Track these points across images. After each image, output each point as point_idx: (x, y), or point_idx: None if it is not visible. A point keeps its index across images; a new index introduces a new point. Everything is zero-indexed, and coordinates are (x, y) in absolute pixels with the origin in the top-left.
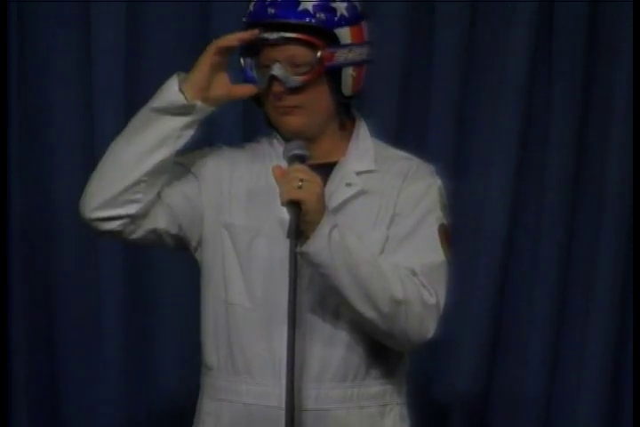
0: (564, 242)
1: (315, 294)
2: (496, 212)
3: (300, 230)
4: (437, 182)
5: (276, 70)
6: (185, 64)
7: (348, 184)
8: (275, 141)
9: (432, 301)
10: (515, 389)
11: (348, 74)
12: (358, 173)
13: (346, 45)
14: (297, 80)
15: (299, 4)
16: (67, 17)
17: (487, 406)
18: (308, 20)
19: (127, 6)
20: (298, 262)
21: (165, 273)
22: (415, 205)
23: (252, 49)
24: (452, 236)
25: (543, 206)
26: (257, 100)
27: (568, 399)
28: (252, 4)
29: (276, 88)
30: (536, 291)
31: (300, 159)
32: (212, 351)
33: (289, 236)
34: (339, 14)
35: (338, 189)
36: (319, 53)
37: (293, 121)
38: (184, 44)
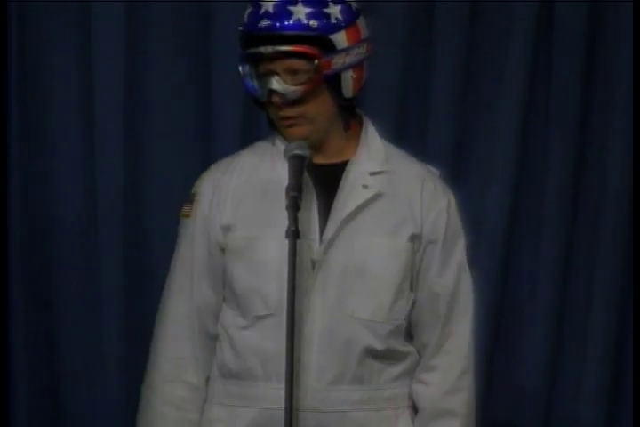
0: (564, 242)
1: (330, 297)
2: (496, 212)
3: (297, 230)
4: (452, 197)
5: (275, 84)
6: (185, 64)
7: (365, 186)
8: (277, 141)
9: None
10: (515, 388)
11: (348, 76)
12: (372, 174)
13: (343, 50)
14: (296, 92)
15: (291, 14)
16: (67, 17)
17: (488, 404)
18: (301, 30)
19: (127, 6)
20: (297, 263)
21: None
22: (444, 236)
23: (250, 59)
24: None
25: (543, 206)
26: (260, 104)
27: (568, 399)
28: (246, 14)
29: (276, 100)
30: (536, 290)
31: (300, 159)
32: (229, 358)
33: (287, 235)
34: (333, 19)
35: (353, 190)
36: (316, 62)
37: (298, 131)
38: (184, 43)
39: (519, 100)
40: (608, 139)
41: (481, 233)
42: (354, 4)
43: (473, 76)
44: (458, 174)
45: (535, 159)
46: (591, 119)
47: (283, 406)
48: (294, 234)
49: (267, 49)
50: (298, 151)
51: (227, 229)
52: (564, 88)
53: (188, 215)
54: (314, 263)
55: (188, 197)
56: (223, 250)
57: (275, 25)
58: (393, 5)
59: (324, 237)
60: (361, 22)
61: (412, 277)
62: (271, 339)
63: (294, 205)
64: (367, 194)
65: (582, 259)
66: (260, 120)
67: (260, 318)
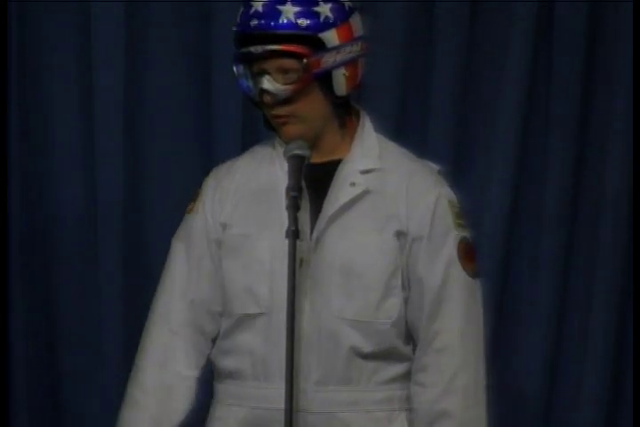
0: (564, 242)
1: (318, 296)
2: (496, 212)
3: (297, 230)
4: (443, 192)
5: (266, 84)
6: (185, 64)
7: (352, 184)
8: (276, 143)
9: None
10: (515, 388)
11: (340, 74)
12: (363, 172)
13: (333, 48)
14: (286, 91)
15: (280, 13)
16: (67, 17)
17: (487, 404)
18: (290, 29)
19: (127, 6)
20: (289, 262)
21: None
22: (429, 233)
23: (243, 59)
24: (473, 247)
25: (543, 206)
26: (256, 103)
27: (568, 399)
28: (239, 14)
29: (267, 100)
30: (536, 290)
31: (300, 159)
32: (222, 357)
33: (287, 235)
34: (322, 18)
35: (342, 188)
36: (304, 61)
37: (291, 130)
38: (184, 43)
39: (519, 100)
40: (608, 139)
41: (481, 233)
42: (347, 3)
43: (473, 76)
44: (458, 174)
45: (535, 159)
46: (591, 119)
47: (271, 406)
48: (294, 234)
49: (257, 48)
50: (297, 151)
51: (224, 226)
52: (564, 88)
53: (190, 211)
54: (302, 262)
55: (192, 196)
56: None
57: (263, 24)
58: (393, 5)
59: (312, 235)
60: (354, 20)
61: (404, 274)
62: (261, 338)
63: (294, 205)
64: (354, 192)
65: (582, 259)
66: (260, 120)
67: (250, 316)
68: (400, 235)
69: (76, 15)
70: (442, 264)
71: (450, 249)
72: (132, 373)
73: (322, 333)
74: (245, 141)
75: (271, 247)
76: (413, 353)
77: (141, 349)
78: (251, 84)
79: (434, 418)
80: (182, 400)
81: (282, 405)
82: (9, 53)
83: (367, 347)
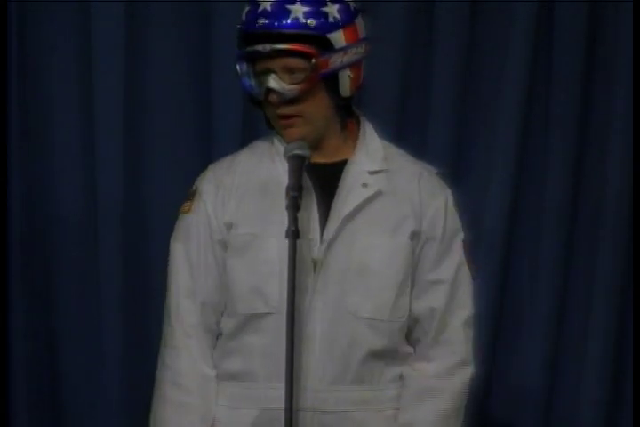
0: (564, 242)
1: (332, 296)
2: (496, 212)
3: (297, 230)
4: (449, 194)
5: (272, 83)
6: (185, 64)
7: (365, 185)
8: (276, 141)
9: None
10: (515, 388)
11: (346, 75)
12: (371, 173)
13: (340, 49)
14: (293, 91)
15: (289, 12)
16: (67, 17)
17: (488, 404)
18: (299, 29)
19: (127, 6)
20: (298, 263)
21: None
22: (442, 233)
23: (248, 57)
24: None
25: (543, 206)
26: (257, 102)
27: (568, 399)
28: (245, 12)
29: (273, 99)
30: (536, 290)
31: (300, 159)
32: (227, 358)
33: (287, 236)
34: (331, 18)
35: (354, 189)
36: (313, 61)
37: (295, 132)
38: (184, 43)
39: (519, 100)
40: (608, 139)
41: (481, 233)
42: (352, 4)
43: (473, 76)
44: (458, 174)
45: (535, 159)
46: (591, 119)
47: (283, 407)
48: (294, 234)
49: (264, 47)
50: (298, 151)
51: (229, 226)
52: (564, 88)
53: (188, 211)
54: (315, 263)
55: (187, 195)
56: (226, 248)
57: (272, 24)
58: (393, 5)
59: (324, 236)
60: (359, 22)
61: (413, 274)
62: (271, 338)
63: (294, 205)
64: (367, 193)
65: (582, 259)
66: (259, 120)
67: (257, 316)
68: (415, 235)
69: (76, 15)
70: (453, 264)
71: (459, 249)
72: (168, 376)
73: (338, 333)
74: (245, 141)
75: (279, 247)
76: (411, 351)
77: (169, 352)
78: (254, 82)
79: (422, 395)
80: (214, 400)
81: (296, 404)
82: (9, 53)
83: (380, 346)
